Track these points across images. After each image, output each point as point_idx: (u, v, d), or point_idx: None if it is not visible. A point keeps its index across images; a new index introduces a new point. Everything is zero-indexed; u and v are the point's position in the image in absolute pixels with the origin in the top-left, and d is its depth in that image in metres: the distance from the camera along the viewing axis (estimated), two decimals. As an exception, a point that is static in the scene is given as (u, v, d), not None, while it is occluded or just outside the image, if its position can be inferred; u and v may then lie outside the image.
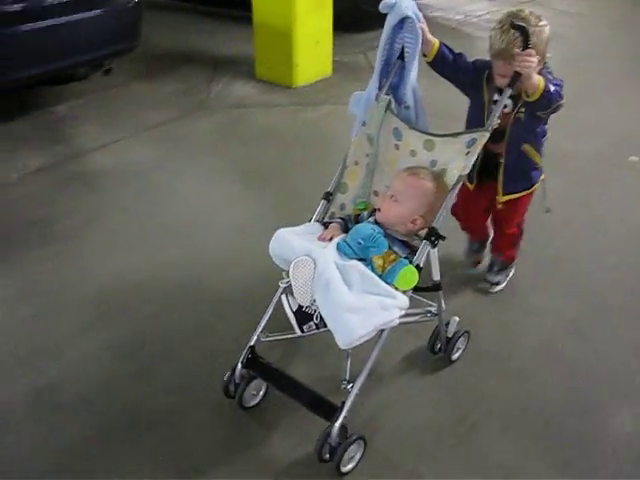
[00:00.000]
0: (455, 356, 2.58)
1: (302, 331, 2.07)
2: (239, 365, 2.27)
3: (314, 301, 2.00)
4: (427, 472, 2.15)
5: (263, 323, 2.29)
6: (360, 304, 1.93)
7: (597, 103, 5.00)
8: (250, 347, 2.28)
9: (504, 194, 2.64)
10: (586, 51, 6.22)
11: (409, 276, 2.02)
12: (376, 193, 2.44)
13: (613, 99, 5.15)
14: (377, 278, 2.01)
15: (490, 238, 3.05)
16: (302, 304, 2.03)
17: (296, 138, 4.53)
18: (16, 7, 3.84)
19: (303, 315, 2.06)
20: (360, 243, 2.09)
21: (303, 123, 4.78)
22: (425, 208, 2.19)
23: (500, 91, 2.41)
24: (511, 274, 3.03)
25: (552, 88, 2.29)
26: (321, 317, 2.01)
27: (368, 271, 2.02)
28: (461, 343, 2.59)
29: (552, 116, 2.47)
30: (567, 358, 2.63)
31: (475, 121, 2.51)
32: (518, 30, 2.21)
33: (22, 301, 2.93)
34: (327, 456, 2.09)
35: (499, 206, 2.68)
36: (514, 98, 2.42)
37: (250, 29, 5.40)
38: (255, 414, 2.34)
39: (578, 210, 3.64)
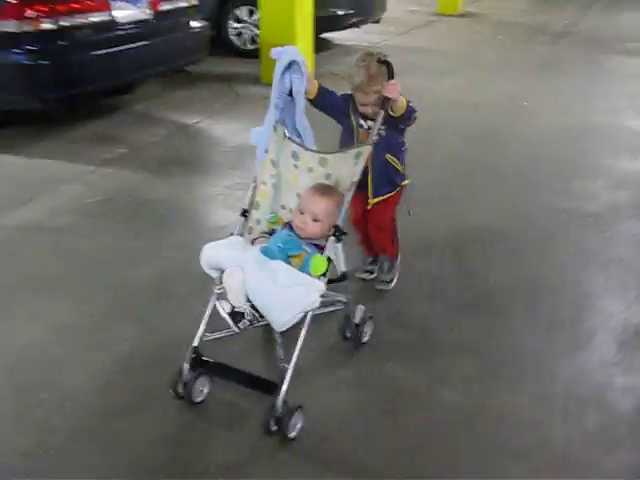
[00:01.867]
0: (365, 339, 2.92)
1: (238, 328, 2.36)
2: (185, 365, 2.50)
3: (247, 301, 2.32)
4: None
5: (202, 325, 2.54)
6: (286, 294, 2.30)
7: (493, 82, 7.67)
8: (194, 347, 2.52)
9: (374, 197, 3.07)
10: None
11: (319, 263, 2.41)
12: (283, 207, 2.80)
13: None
14: (296, 270, 2.40)
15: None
16: (237, 305, 2.33)
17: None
18: (133, 30, 5.59)
19: (236, 315, 2.34)
20: (279, 246, 2.45)
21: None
22: (335, 217, 2.57)
23: (364, 117, 2.97)
24: (398, 271, 3.41)
25: (411, 104, 2.87)
26: (253, 314, 2.34)
27: (288, 266, 2.39)
28: (368, 327, 2.93)
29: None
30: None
31: (348, 142, 3.00)
32: (384, 64, 2.78)
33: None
34: (274, 428, 2.34)
35: (369, 207, 3.10)
36: (374, 120, 2.84)
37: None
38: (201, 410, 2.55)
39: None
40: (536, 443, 2.42)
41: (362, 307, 2.89)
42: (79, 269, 3.55)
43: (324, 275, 2.42)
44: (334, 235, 2.49)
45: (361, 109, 2.96)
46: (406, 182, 3.18)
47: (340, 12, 8.46)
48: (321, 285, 2.38)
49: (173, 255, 3.68)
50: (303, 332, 2.37)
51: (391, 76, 2.77)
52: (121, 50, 5.39)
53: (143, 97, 6.65)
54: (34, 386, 2.68)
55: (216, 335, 2.56)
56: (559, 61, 8.87)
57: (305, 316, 2.37)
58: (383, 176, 3.06)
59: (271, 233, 2.63)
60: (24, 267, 3.55)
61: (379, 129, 2.81)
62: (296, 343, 2.37)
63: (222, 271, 2.40)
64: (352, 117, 3.03)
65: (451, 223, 4.06)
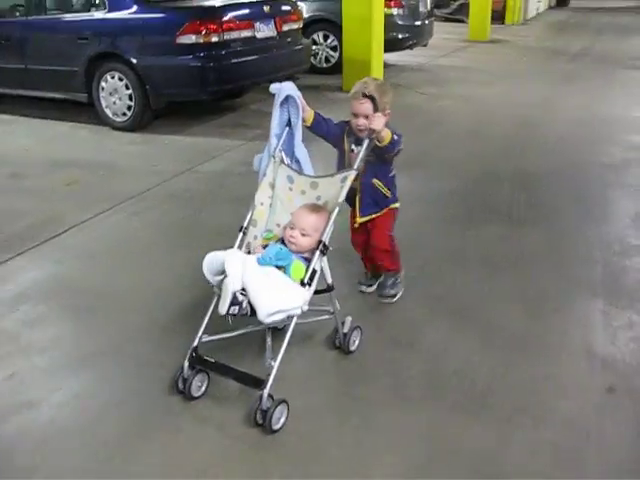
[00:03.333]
0: (352, 348, 3.06)
1: (227, 312, 2.49)
2: (186, 363, 2.71)
3: (242, 290, 2.51)
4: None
5: (202, 327, 2.77)
6: (273, 286, 2.54)
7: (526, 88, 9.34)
8: (194, 347, 2.73)
9: (360, 217, 3.27)
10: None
11: (298, 269, 2.67)
12: (278, 225, 3.00)
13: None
14: (286, 276, 2.62)
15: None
16: (234, 290, 2.49)
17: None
18: (266, 44, 7.41)
19: (232, 302, 2.49)
20: (271, 258, 2.64)
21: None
22: (321, 232, 2.77)
23: (357, 141, 3.10)
24: (402, 288, 3.53)
25: (396, 137, 3.00)
26: (246, 306, 2.53)
27: (280, 272, 2.62)
28: (355, 336, 3.09)
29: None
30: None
31: (341, 165, 3.21)
32: (369, 99, 2.95)
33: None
34: (260, 420, 2.54)
35: (356, 225, 3.31)
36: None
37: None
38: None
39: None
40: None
41: (350, 318, 3.07)
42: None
43: (309, 285, 2.62)
44: (319, 249, 2.70)
45: (354, 123, 3.08)
46: (395, 205, 3.33)
47: (400, 36, 10.40)
48: (307, 294, 2.60)
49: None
50: (288, 334, 2.59)
51: (376, 109, 2.94)
52: (258, 58, 7.26)
53: (252, 100, 8.36)
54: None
55: (214, 337, 2.82)
56: (578, 74, 10.73)
57: (291, 319, 2.60)
58: (369, 198, 3.24)
59: (265, 247, 2.81)
60: (233, 192, 5.23)
61: (368, 156, 2.99)
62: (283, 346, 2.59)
63: (223, 274, 2.58)
64: (345, 141, 3.18)
65: (519, 165, 5.96)
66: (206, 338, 2.78)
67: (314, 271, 2.67)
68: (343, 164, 3.20)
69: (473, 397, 2.83)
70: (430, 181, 5.55)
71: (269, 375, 2.55)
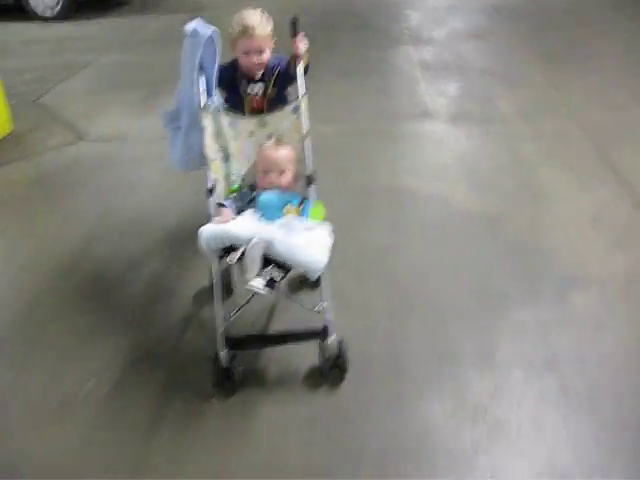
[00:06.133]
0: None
1: (270, 293, 2.26)
2: (222, 352, 2.46)
3: (267, 263, 2.27)
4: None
5: (220, 307, 2.48)
6: (312, 240, 2.33)
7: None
8: (222, 331, 2.46)
9: None
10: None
11: (319, 209, 2.52)
12: (235, 175, 2.79)
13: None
14: (307, 221, 2.42)
15: None
16: (249, 278, 2.24)
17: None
18: None
19: (271, 282, 2.27)
20: (276, 206, 2.47)
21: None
22: (295, 165, 2.67)
23: (249, 82, 2.92)
24: None
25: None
26: (280, 273, 2.28)
27: (299, 217, 2.43)
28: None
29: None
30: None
31: (241, 112, 2.89)
32: (293, 21, 2.78)
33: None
34: (331, 369, 2.49)
35: None
36: (263, 85, 2.93)
37: None
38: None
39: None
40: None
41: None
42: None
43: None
44: (312, 183, 2.64)
45: (248, 62, 2.86)
46: None
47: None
48: (329, 227, 2.44)
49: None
50: (325, 273, 2.44)
51: (295, 32, 2.80)
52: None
53: None
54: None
55: (237, 310, 2.59)
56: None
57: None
58: None
59: (236, 197, 2.63)
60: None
61: (269, 93, 2.92)
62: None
63: (230, 247, 2.32)
64: (240, 84, 2.95)
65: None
66: (229, 319, 2.54)
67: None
68: (242, 110, 2.95)
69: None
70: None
71: (328, 319, 2.47)
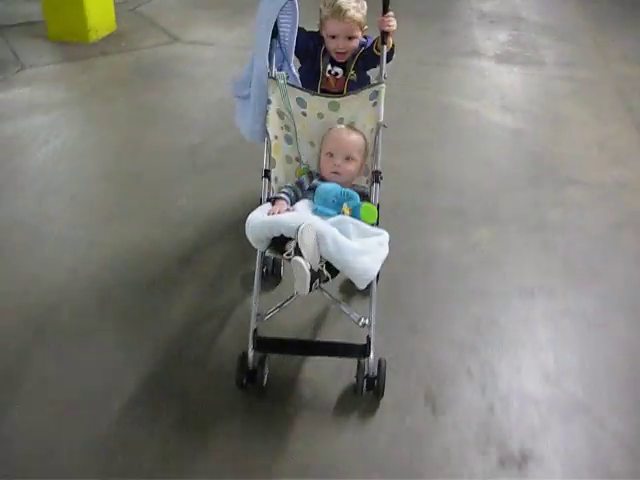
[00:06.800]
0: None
1: (310, 290, 2.06)
2: (251, 352, 2.24)
3: (320, 260, 2.06)
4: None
5: (256, 305, 2.29)
6: (365, 247, 2.10)
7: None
8: (254, 331, 2.26)
9: None
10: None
11: (371, 211, 2.25)
12: (297, 159, 2.59)
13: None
14: (362, 223, 2.18)
15: None
16: (312, 265, 2.03)
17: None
18: None
19: (313, 276, 2.04)
20: (334, 201, 2.24)
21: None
22: (364, 156, 2.47)
23: (332, 63, 2.73)
24: None
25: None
26: (327, 275, 2.09)
27: (355, 220, 2.18)
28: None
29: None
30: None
31: (308, 86, 2.63)
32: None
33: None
34: (364, 389, 2.22)
35: None
36: (343, 67, 2.74)
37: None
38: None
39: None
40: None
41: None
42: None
43: (377, 224, 2.28)
44: (377, 181, 2.35)
45: (333, 45, 2.70)
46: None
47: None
48: (387, 235, 2.22)
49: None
50: (375, 287, 2.25)
51: (386, 9, 2.56)
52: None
53: None
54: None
55: (273, 311, 2.39)
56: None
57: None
58: None
59: (294, 188, 2.42)
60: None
61: (350, 74, 2.73)
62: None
63: (277, 239, 2.15)
64: (321, 61, 2.76)
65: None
66: (265, 318, 2.35)
67: (377, 207, 2.32)
68: (316, 86, 2.76)
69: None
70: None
71: (369, 337, 2.24)
